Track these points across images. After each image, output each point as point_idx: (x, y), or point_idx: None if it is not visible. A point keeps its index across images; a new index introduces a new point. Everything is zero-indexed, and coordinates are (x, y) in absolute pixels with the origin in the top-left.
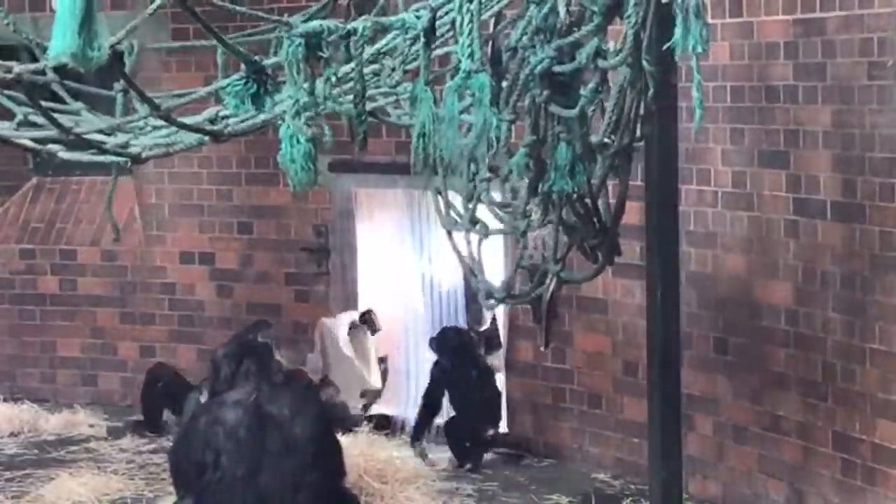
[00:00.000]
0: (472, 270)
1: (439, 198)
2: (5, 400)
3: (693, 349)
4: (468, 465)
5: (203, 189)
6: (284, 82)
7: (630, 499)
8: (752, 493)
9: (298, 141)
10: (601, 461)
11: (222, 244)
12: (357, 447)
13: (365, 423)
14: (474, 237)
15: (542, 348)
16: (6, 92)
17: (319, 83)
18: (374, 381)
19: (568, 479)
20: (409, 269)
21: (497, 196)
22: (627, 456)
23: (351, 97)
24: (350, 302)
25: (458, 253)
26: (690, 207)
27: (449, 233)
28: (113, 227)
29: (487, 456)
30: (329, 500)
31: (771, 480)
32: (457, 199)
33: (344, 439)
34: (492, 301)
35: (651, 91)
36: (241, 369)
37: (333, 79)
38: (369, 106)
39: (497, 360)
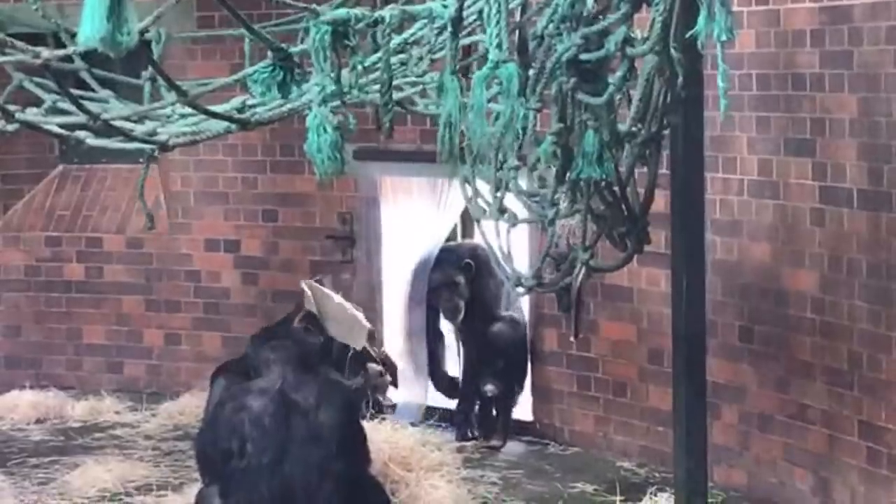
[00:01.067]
0: (501, 258)
1: (468, 187)
2: (31, 387)
3: (718, 337)
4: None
5: (228, 177)
6: (311, 71)
7: (655, 487)
8: (778, 482)
9: (325, 130)
10: (626, 449)
11: (247, 232)
12: (382, 434)
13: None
14: (503, 226)
15: (571, 339)
16: (35, 79)
17: (346, 72)
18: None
19: (593, 467)
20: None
21: (525, 185)
22: (652, 444)
23: (377, 86)
24: (375, 290)
25: (488, 242)
26: (716, 196)
27: (478, 221)
28: (146, 215)
29: (513, 443)
30: (354, 487)
31: (796, 469)
32: (485, 188)
33: (368, 427)
34: (521, 289)
35: (679, 79)
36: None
37: (360, 68)
38: (396, 95)
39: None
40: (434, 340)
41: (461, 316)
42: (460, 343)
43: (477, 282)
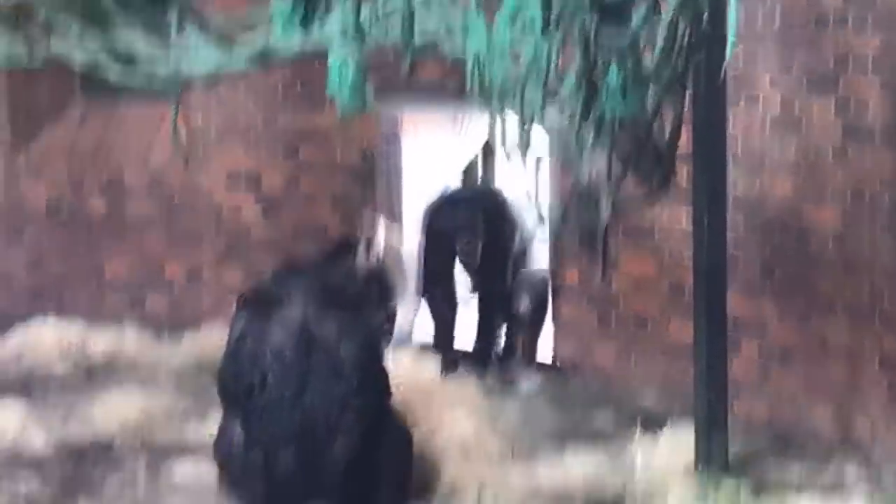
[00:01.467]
0: (527, 195)
1: (496, 123)
2: (54, 320)
3: (740, 273)
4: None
5: (249, 112)
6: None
7: (676, 419)
8: (798, 416)
9: (347, 68)
10: (647, 383)
11: (268, 167)
12: (402, 368)
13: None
14: (530, 163)
15: (600, 276)
16: (60, 12)
17: (366, 10)
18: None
19: (614, 400)
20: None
21: (552, 121)
22: (673, 378)
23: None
24: (396, 224)
25: (515, 178)
26: (738, 132)
27: (506, 157)
28: (180, 152)
29: (534, 377)
30: (374, 420)
31: (817, 403)
32: (512, 125)
33: (389, 360)
34: (546, 225)
35: (704, 16)
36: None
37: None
38: (419, 35)
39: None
40: (448, 308)
41: (478, 260)
42: (476, 289)
43: (496, 224)
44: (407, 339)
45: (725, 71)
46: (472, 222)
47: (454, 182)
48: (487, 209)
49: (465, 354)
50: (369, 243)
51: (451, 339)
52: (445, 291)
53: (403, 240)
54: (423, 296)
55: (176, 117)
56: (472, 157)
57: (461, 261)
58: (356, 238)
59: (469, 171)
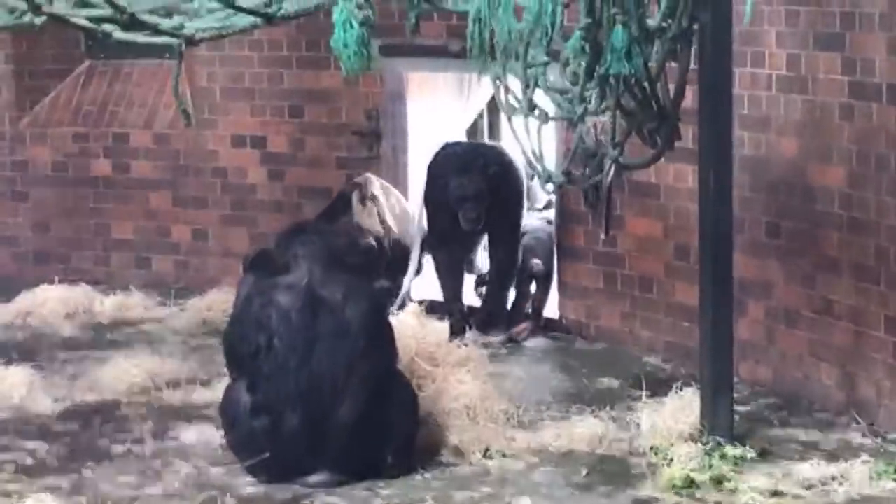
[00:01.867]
0: (531, 156)
1: (498, 84)
2: (60, 282)
3: (745, 233)
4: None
5: (254, 73)
6: None
7: (681, 382)
8: (804, 377)
9: (351, 25)
10: (652, 345)
11: (273, 128)
12: (409, 330)
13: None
14: (533, 123)
15: (602, 236)
16: None
17: None
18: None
19: (619, 362)
20: None
21: (555, 81)
22: (678, 340)
23: None
24: (401, 186)
25: (518, 138)
26: (744, 91)
27: (509, 118)
28: (182, 111)
29: (539, 339)
30: (380, 382)
31: (822, 364)
32: (515, 85)
33: (395, 322)
34: (551, 186)
35: None
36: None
37: None
38: None
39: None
40: (454, 268)
41: (480, 225)
42: (488, 251)
43: (503, 188)
44: (406, 297)
45: (731, 29)
46: (475, 190)
47: (459, 137)
48: (493, 173)
49: (471, 313)
50: (362, 194)
51: (458, 300)
52: (451, 251)
53: (405, 197)
54: (429, 253)
55: (178, 76)
56: (476, 115)
57: (464, 227)
58: (350, 190)
59: (474, 129)
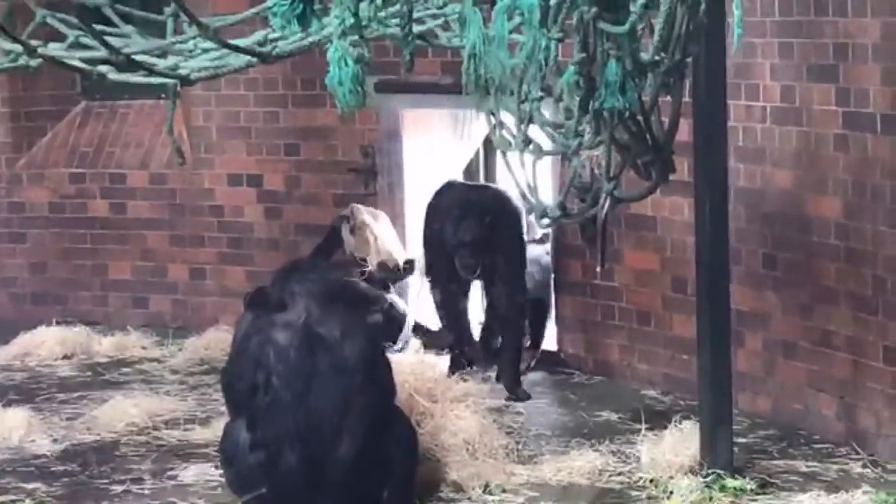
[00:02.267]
0: (526, 191)
1: (492, 119)
2: (58, 323)
3: (742, 265)
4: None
5: (250, 111)
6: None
7: (680, 415)
8: (803, 409)
9: (346, 63)
10: (651, 378)
11: (270, 166)
12: (406, 366)
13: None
14: (528, 158)
15: (598, 269)
16: (57, 14)
17: (365, 4)
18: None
19: (618, 396)
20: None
21: (549, 116)
22: (677, 372)
23: (397, 19)
24: (398, 222)
25: (513, 173)
26: (739, 123)
27: (503, 153)
28: (176, 150)
29: (538, 374)
30: (379, 419)
31: (821, 395)
32: (509, 120)
33: (393, 358)
34: (546, 221)
35: (703, 6)
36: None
37: (380, 0)
38: (417, 28)
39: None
40: (456, 312)
41: (477, 273)
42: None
43: (501, 232)
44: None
45: (725, 61)
46: (472, 238)
47: (456, 176)
48: (490, 219)
49: (469, 347)
50: (350, 224)
51: (462, 338)
52: (450, 290)
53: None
54: (430, 291)
55: (172, 116)
56: (472, 152)
57: (461, 273)
58: (339, 223)
59: (469, 167)
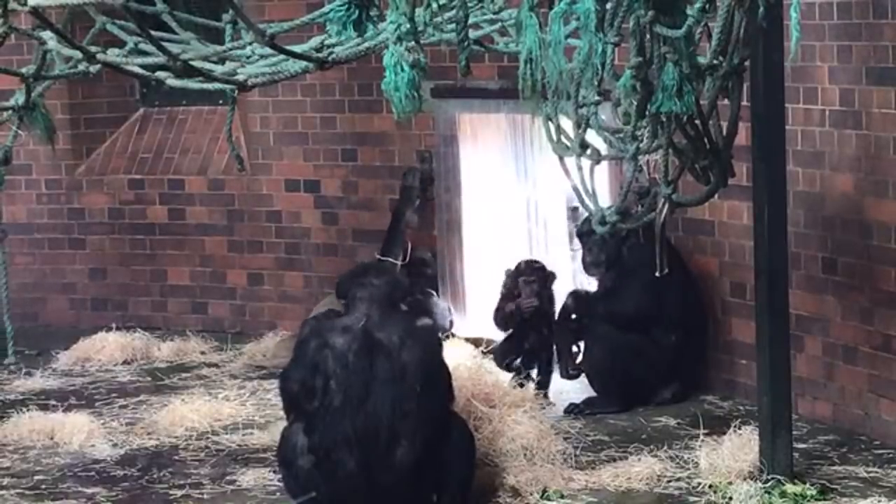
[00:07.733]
0: (584, 196)
1: (550, 124)
2: (118, 328)
3: (801, 269)
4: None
5: (307, 117)
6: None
7: (739, 420)
8: (863, 414)
9: (402, 69)
10: (710, 384)
11: (327, 172)
12: (464, 372)
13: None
14: (585, 162)
15: (657, 273)
16: (116, 21)
17: (420, 10)
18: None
19: (676, 401)
20: (514, 194)
21: (607, 120)
22: (736, 377)
23: (453, 24)
24: (455, 228)
25: (571, 179)
26: (797, 127)
27: (561, 159)
28: (236, 157)
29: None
30: (437, 425)
31: (882, 400)
32: (567, 125)
33: (451, 364)
34: (605, 226)
35: (761, 10)
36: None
37: (435, 5)
38: (473, 34)
39: None
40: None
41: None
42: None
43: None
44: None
45: (783, 65)
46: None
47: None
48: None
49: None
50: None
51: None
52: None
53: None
54: None
55: (230, 122)
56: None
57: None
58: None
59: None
